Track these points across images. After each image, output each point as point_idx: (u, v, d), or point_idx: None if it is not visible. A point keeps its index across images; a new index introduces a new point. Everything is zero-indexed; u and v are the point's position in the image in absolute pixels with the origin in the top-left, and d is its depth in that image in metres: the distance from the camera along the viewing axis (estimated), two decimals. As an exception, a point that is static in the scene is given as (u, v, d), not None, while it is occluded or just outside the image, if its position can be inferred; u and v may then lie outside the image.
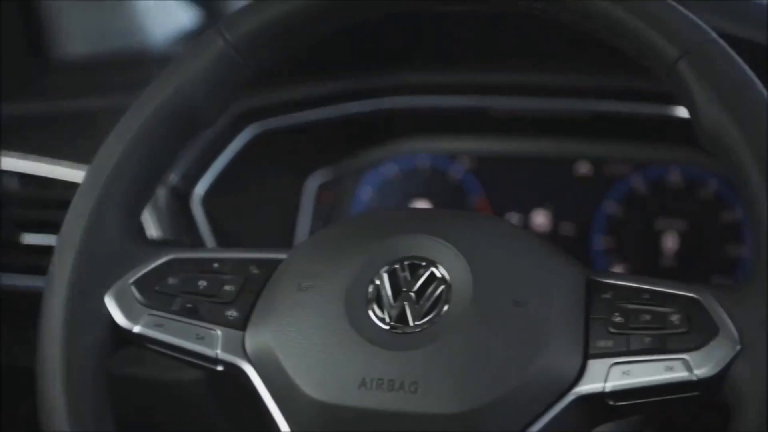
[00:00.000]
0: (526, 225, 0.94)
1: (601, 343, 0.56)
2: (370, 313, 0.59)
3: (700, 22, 0.57)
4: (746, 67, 0.56)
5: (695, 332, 0.54)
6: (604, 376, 0.55)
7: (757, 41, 0.72)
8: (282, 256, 0.64)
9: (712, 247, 0.87)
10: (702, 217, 0.88)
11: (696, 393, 0.54)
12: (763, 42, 0.72)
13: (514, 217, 0.95)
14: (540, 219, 0.94)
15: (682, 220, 0.88)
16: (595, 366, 0.56)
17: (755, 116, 0.54)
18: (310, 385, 0.57)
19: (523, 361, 0.55)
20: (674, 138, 0.88)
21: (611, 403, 0.55)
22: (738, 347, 0.52)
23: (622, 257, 0.91)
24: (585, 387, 0.55)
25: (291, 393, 0.57)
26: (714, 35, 0.57)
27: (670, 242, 0.89)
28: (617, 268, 0.91)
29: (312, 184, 0.99)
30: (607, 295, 0.58)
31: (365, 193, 0.98)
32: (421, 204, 0.97)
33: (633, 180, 0.91)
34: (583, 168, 0.93)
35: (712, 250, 0.87)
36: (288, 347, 0.58)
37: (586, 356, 0.56)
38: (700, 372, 0.53)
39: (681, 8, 0.57)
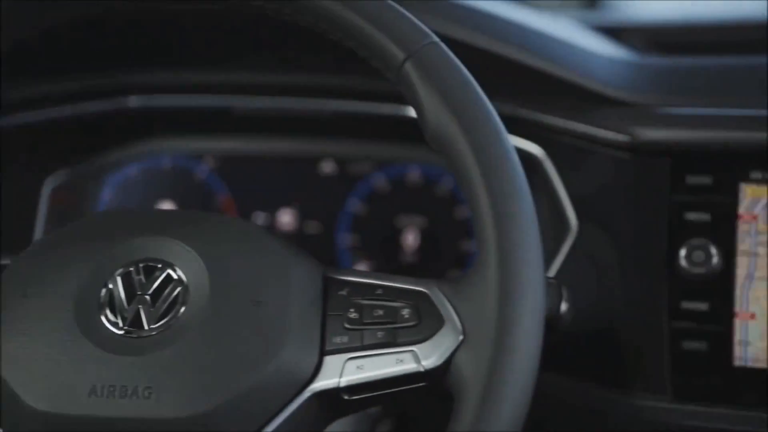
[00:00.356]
0: (272, 224, 0.95)
1: (337, 339, 0.57)
2: (103, 318, 0.57)
3: (422, 25, 0.59)
4: (465, 70, 0.59)
5: (424, 325, 0.57)
6: (339, 372, 0.57)
7: (474, 44, 0.76)
8: (5, 261, 0.61)
9: (448, 242, 0.91)
10: (439, 214, 0.91)
11: (424, 383, 0.56)
12: (479, 45, 0.76)
13: (260, 217, 0.95)
14: (286, 218, 0.95)
15: (421, 217, 0.92)
16: (331, 362, 0.57)
17: (474, 117, 0.57)
18: (35, 396, 0.54)
19: (260, 360, 0.55)
20: (412, 137, 0.91)
21: (346, 397, 0.57)
22: (461, 337, 0.55)
23: (366, 254, 0.93)
24: (321, 383, 0.57)
25: (13, 406, 0.54)
26: (435, 38, 0.59)
27: (410, 239, 0.92)
28: (361, 266, 0.93)
29: (50, 186, 0.94)
30: (343, 292, 0.59)
31: (107, 194, 0.95)
32: (166, 205, 0.95)
33: (375, 179, 0.94)
34: (328, 167, 0.95)
35: (448, 245, 0.91)
36: (10, 358, 0.55)
37: (323, 353, 0.57)
38: (427, 363, 0.56)
39: (404, 11, 0.59)
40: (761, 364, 0.69)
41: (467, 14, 0.78)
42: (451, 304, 0.57)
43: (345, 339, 0.57)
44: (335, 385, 0.56)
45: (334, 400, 0.57)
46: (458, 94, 0.58)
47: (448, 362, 0.55)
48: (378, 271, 0.91)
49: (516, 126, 0.76)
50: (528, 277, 0.54)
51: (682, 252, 0.71)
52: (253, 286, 0.58)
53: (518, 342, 0.52)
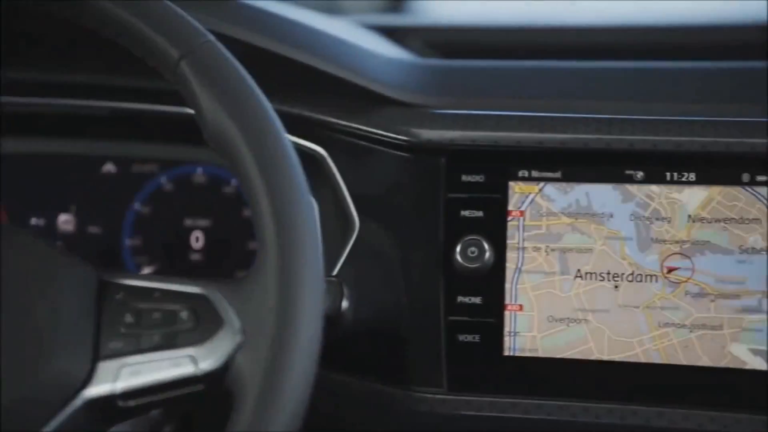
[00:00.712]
0: (51, 228, 0.91)
1: (112, 345, 0.56)
2: None
3: (197, 24, 0.59)
4: (241, 68, 0.59)
5: (202, 327, 0.56)
6: (113, 377, 0.55)
7: (251, 42, 0.76)
8: None
9: (236, 242, 0.90)
10: (226, 215, 0.91)
11: (202, 386, 0.56)
12: (255, 43, 0.76)
13: (37, 221, 0.91)
14: (67, 221, 0.91)
15: (208, 218, 0.91)
16: (105, 368, 0.56)
17: (251, 116, 0.57)
18: None
19: (27, 368, 0.54)
20: (198, 138, 0.90)
21: (122, 403, 0.56)
22: (239, 338, 0.55)
23: (152, 257, 0.91)
24: (93, 390, 0.55)
25: None
26: (211, 37, 0.59)
27: (197, 240, 0.91)
28: (148, 269, 0.91)
29: None
30: (119, 296, 0.58)
31: None
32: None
33: (160, 180, 0.92)
34: (111, 168, 0.92)
35: (235, 246, 0.90)
36: None
37: (96, 358, 0.56)
38: (205, 365, 0.55)
39: (178, 10, 0.59)
40: (528, 353, 0.73)
41: (244, 13, 0.77)
42: (231, 306, 0.57)
43: (120, 344, 0.56)
44: (109, 392, 0.55)
45: (110, 407, 0.56)
46: (235, 93, 0.58)
47: (227, 364, 0.55)
48: (166, 272, 0.90)
49: (297, 125, 0.76)
50: (306, 276, 0.54)
51: (458, 248, 0.74)
52: (19, 292, 0.56)
53: (295, 341, 0.53)
